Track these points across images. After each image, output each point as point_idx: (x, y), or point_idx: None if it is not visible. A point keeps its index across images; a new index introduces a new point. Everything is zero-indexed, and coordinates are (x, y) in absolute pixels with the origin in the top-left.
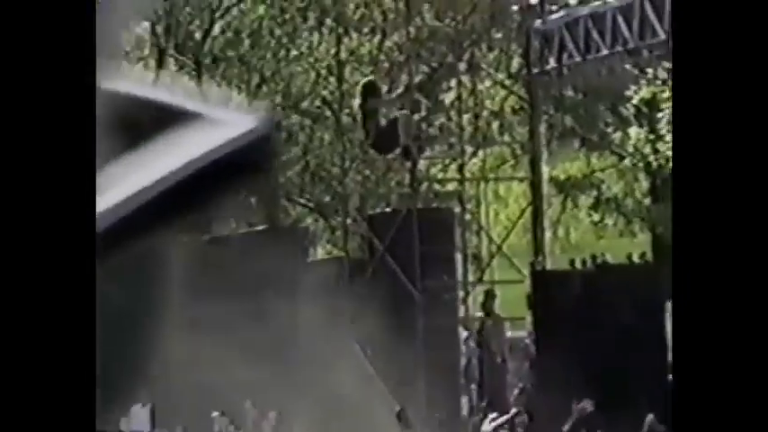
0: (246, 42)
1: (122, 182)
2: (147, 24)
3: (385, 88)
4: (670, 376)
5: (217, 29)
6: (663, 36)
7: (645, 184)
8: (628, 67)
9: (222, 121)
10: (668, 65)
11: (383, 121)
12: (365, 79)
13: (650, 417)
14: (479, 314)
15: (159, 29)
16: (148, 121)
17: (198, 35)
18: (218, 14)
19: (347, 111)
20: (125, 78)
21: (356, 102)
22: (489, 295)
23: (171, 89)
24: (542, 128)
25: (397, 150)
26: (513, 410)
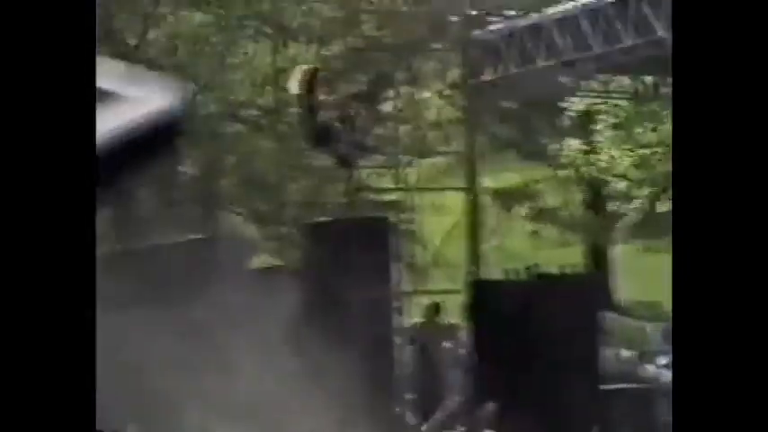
0: (183, 50)
1: None
2: None
3: (323, 97)
4: (602, 386)
5: (152, 35)
6: (598, 50)
7: (580, 195)
8: (564, 79)
9: (137, 98)
10: (603, 78)
11: (323, 117)
12: (306, 66)
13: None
14: (416, 321)
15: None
16: None
17: (132, 42)
18: (153, 21)
19: (286, 120)
20: None
21: (293, 86)
22: (435, 307)
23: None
24: (479, 138)
25: (331, 149)
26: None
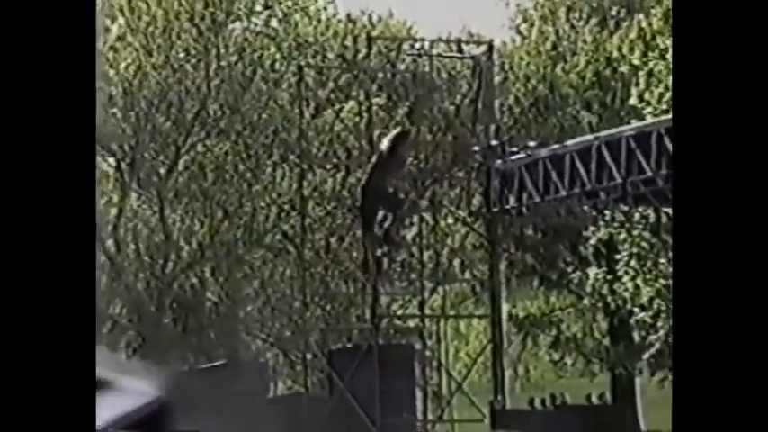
0: (210, 177)
1: None
2: (112, 160)
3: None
4: None
5: (181, 164)
6: (619, 179)
7: (603, 324)
8: (586, 208)
9: (129, 389)
10: (625, 207)
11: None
12: (399, 129)
13: None
14: None
15: (123, 165)
16: None
17: (162, 170)
18: (183, 150)
19: (309, 245)
20: None
21: (384, 146)
22: None
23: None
24: (502, 265)
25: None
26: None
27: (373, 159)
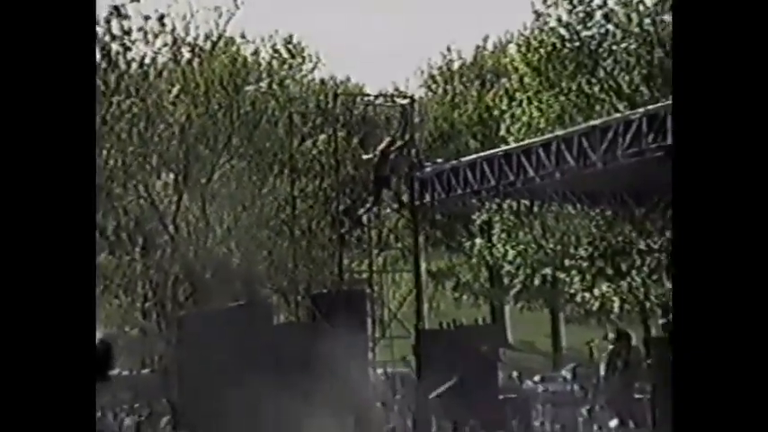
0: (233, 184)
1: None
2: (172, 175)
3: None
4: (500, 396)
5: (216, 176)
6: (494, 183)
7: (485, 274)
8: (473, 201)
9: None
10: (498, 200)
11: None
12: (388, 139)
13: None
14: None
15: (180, 177)
16: None
17: (203, 180)
18: (216, 167)
19: (298, 227)
20: None
21: (380, 148)
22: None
23: None
24: (421, 238)
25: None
26: None
27: (375, 158)
